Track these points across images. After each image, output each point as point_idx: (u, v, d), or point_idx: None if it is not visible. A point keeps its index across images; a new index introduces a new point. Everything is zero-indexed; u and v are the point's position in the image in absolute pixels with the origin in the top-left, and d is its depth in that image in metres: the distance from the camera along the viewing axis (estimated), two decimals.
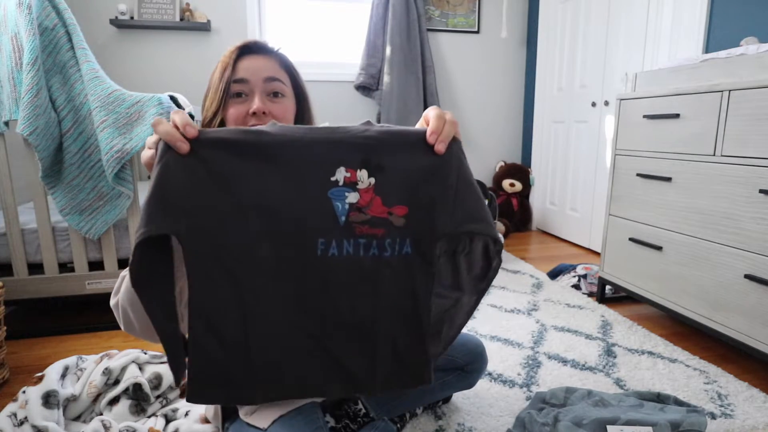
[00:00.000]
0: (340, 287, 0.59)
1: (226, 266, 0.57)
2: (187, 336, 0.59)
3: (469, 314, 0.71)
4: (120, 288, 0.73)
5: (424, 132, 0.60)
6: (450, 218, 0.60)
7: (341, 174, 0.57)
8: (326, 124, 0.62)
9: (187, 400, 0.60)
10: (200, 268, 0.57)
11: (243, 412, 0.87)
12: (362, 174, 0.57)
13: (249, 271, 0.57)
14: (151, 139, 0.61)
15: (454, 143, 0.61)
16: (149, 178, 0.57)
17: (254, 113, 0.80)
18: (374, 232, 0.58)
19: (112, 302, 0.75)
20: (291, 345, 0.60)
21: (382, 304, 0.61)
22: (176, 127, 0.57)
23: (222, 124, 0.83)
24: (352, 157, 0.57)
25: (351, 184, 0.57)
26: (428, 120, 0.62)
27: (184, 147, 0.56)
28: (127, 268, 0.57)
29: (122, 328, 0.74)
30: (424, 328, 0.63)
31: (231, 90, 0.82)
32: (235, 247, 0.57)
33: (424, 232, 0.60)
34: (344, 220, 0.58)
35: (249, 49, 0.85)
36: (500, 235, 0.63)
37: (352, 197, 0.57)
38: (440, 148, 0.59)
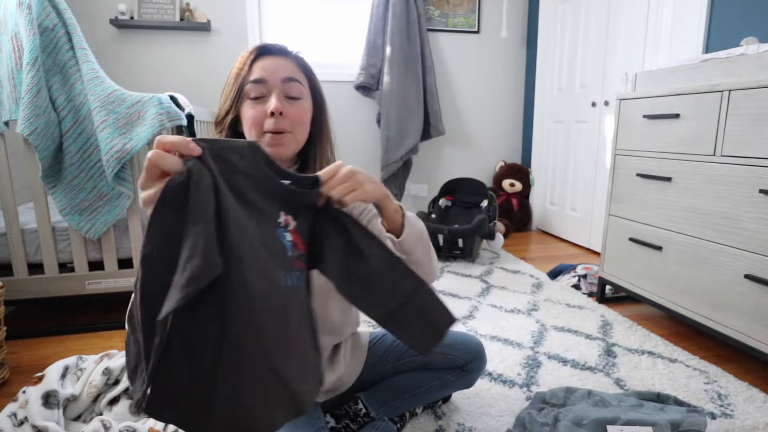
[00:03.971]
0: (292, 315, 0.67)
1: (217, 299, 0.57)
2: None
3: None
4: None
5: (318, 191, 0.70)
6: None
7: (282, 217, 0.67)
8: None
9: (146, 413, 0.62)
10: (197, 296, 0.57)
11: None
12: (290, 218, 0.68)
13: (236, 305, 0.58)
14: (146, 180, 0.54)
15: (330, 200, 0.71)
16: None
17: (272, 113, 0.80)
18: (301, 265, 0.69)
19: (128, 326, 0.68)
20: (254, 378, 0.61)
21: (308, 324, 0.71)
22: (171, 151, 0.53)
23: (234, 123, 0.85)
24: (286, 205, 0.68)
25: (286, 226, 0.67)
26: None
27: (197, 150, 0.54)
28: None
29: None
30: (317, 340, 0.73)
31: (248, 92, 0.82)
32: (226, 281, 0.57)
33: (309, 264, 0.72)
34: (290, 255, 0.67)
35: (267, 49, 0.85)
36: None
37: (289, 236, 0.68)
38: (321, 201, 0.70)
